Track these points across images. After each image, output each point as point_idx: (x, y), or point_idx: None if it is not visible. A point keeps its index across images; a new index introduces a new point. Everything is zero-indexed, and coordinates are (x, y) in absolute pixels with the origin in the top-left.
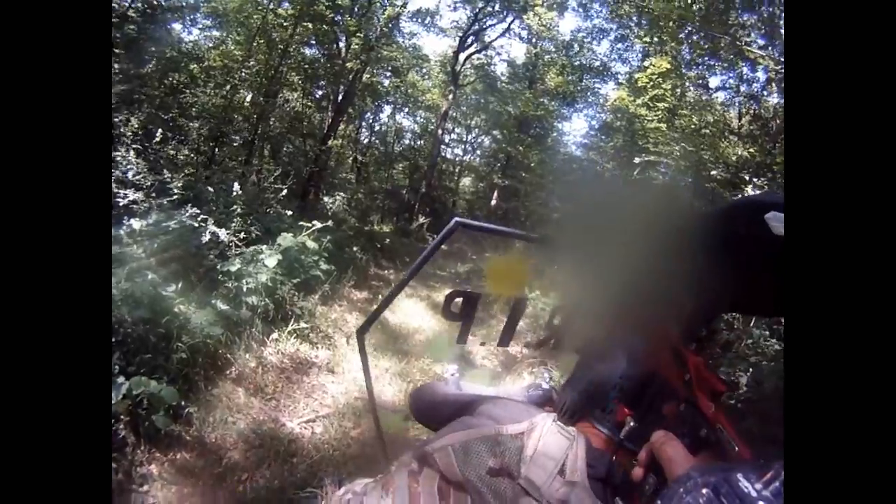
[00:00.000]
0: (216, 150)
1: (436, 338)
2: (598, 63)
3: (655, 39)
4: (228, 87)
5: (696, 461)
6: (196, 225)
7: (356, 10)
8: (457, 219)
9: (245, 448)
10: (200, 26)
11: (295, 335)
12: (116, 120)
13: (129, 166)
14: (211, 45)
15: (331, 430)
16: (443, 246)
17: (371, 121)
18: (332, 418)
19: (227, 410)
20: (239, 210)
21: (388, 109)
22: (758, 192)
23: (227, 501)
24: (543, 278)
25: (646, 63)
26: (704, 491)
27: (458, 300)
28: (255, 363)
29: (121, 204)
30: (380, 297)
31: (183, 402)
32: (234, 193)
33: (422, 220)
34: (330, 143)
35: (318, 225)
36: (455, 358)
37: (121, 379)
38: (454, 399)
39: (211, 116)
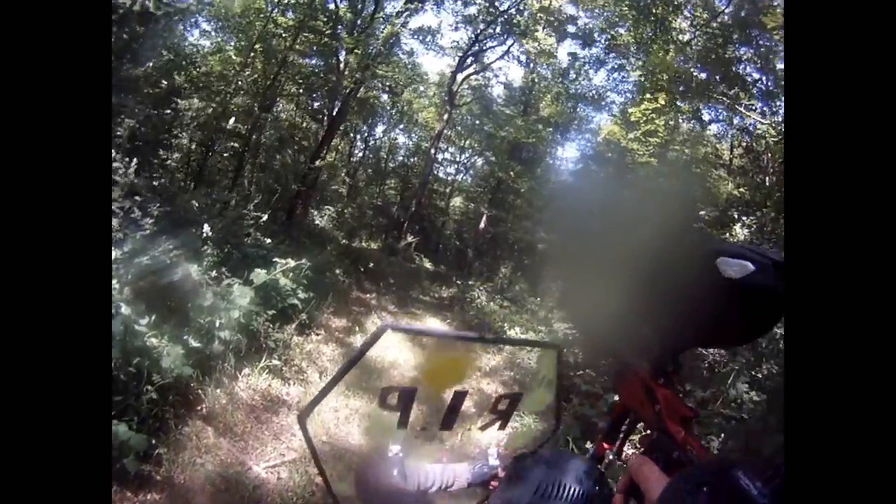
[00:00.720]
0: (207, 158)
1: (375, 421)
2: (593, 93)
3: (649, 73)
4: (224, 94)
5: (670, 480)
6: (168, 261)
7: (358, 23)
8: (385, 323)
9: (212, 491)
10: (201, 29)
11: (267, 370)
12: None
13: None
14: (209, 48)
15: (296, 475)
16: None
17: (366, 135)
18: (299, 463)
19: (195, 451)
20: (209, 251)
21: (382, 126)
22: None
23: None
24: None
25: (640, 98)
26: (704, 489)
27: (395, 394)
28: (225, 399)
29: None
30: (358, 326)
31: (153, 441)
32: (205, 235)
33: (410, 238)
34: (319, 162)
35: (292, 263)
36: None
37: None
38: (400, 493)
39: (202, 126)
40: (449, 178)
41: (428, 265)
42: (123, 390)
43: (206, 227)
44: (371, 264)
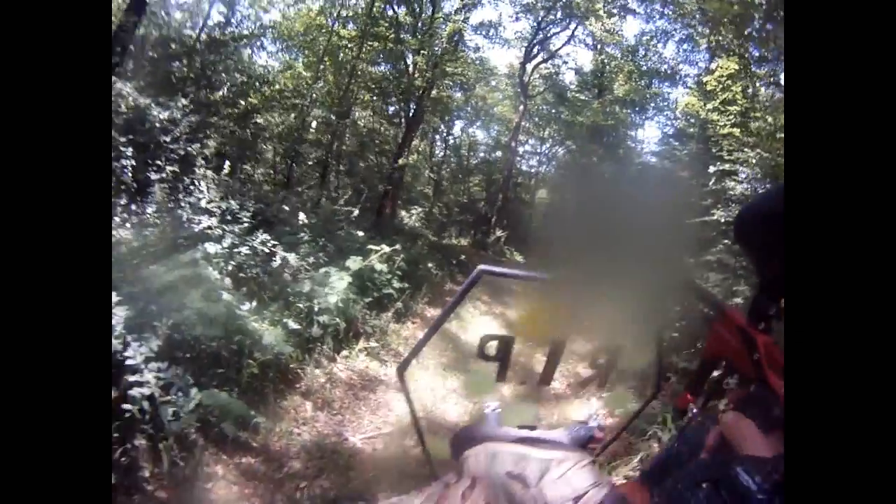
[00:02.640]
0: (293, 166)
1: (474, 375)
2: (665, 67)
3: (719, 39)
4: (300, 108)
5: (771, 440)
6: (267, 250)
7: (419, 26)
8: (481, 267)
9: (306, 458)
10: (268, 51)
11: (365, 352)
12: (190, 149)
13: (200, 197)
14: (279, 68)
15: (391, 447)
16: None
17: (445, 135)
18: (394, 436)
19: (293, 422)
20: (306, 237)
21: (460, 123)
22: None
23: None
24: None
25: (713, 65)
26: (705, 485)
27: (493, 343)
28: (324, 379)
29: (196, 230)
30: (455, 312)
31: (252, 413)
32: (301, 222)
33: (499, 233)
34: (402, 161)
35: (387, 249)
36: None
37: (194, 391)
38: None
39: (284, 138)
40: (532, 171)
41: (519, 257)
42: (225, 365)
43: (302, 216)
44: (462, 257)
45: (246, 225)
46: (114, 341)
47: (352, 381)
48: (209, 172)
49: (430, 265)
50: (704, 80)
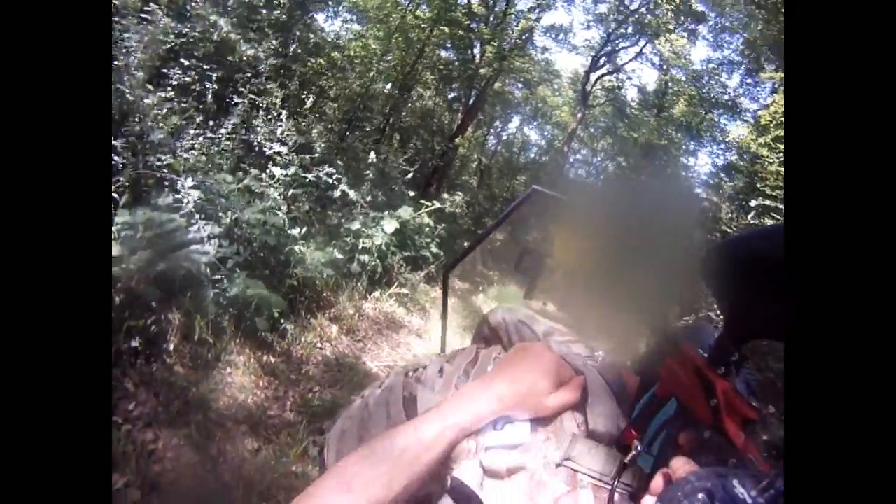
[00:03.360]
0: (348, 132)
1: (506, 290)
2: (726, 97)
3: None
4: (368, 76)
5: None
6: (330, 182)
7: (492, 18)
8: (534, 187)
9: (324, 368)
10: (343, 19)
11: (395, 298)
12: (268, 87)
13: (277, 124)
14: (351, 37)
15: None
16: None
17: (499, 129)
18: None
19: (318, 338)
20: (371, 175)
21: (516, 120)
22: None
23: (295, 402)
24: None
25: (769, 101)
26: (700, 496)
27: (532, 255)
28: (353, 311)
29: (266, 153)
30: (481, 289)
31: (282, 319)
32: (371, 160)
33: (535, 233)
34: (457, 142)
35: (437, 205)
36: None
37: (239, 279)
38: None
39: (348, 100)
40: (579, 180)
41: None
42: (271, 271)
43: (373, 154)
44: (497, 243)
45: (316, 156)
46: (181, 218)
47: (378, 319)
48: (283, 111)
49: (465, 244)
50: (759, 114)
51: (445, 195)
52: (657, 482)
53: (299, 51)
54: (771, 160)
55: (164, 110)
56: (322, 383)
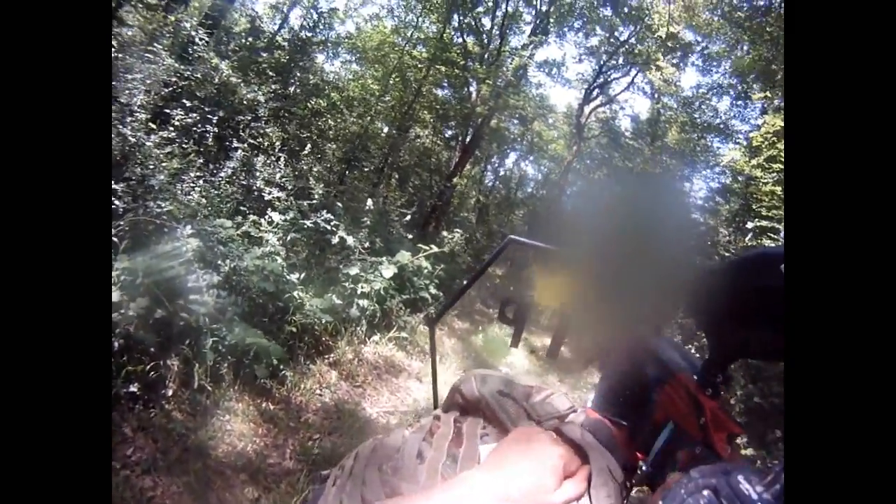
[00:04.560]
0: (347, 172)
1: (492, 340)
2: (718, 121)
3: (768, 95)
4: (367, 117)
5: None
6: (328, 228)
7: (486, 56)
8: (510, 237)
9: (324, 416)
10: (342, 59)
11: (394, 342)
12: (267, 131)
13: (276, 169)
14: (350, 77)
15: (404, 423)
16: None
17: (496, 165)
18: (410, 415)
19: (317, 384)
20: (368, 222)
21: (513, 156)
22: None
23: (294, 450)
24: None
25: (760, 121)
26: (705, 492)
27: (513, 307)
28: (352, 355)
29: (264, 198)
30: (480, 329)
31: (282, 365)
32: (367, 207)
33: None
34: (455, 180)
35: (436, 249)
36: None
37: (238, 328)
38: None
39: (347, 141)
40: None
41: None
42: (269, 318)
43: (370, 202)
44: (497, 282)
45: (314, 202)
46: (180, 266)
47: (377, 363)
48: (282, 155)
49: (464, 282)
50: (751, 135)
51: (445, 233)
52: (656, 497)
53: (298, 92)
54: (765, 181)
55: (166, 151)
56: (322, 431)
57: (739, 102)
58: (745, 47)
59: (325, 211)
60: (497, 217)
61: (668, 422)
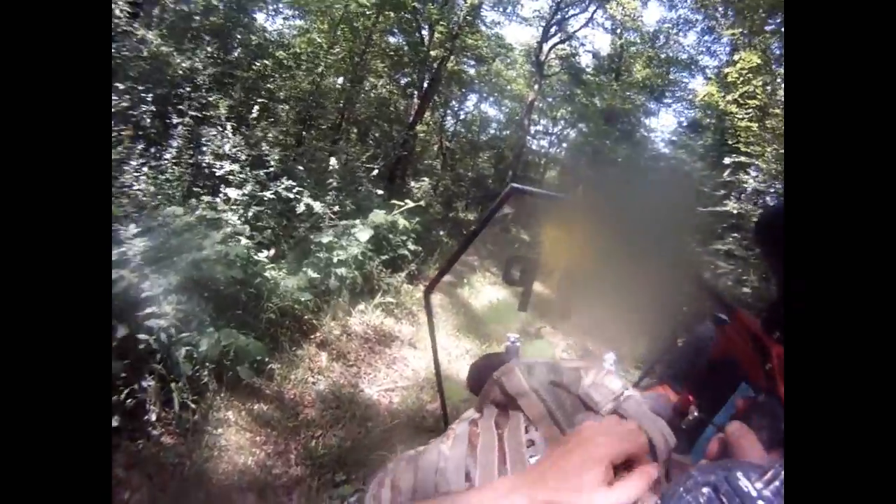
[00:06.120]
0: (304, 132)
1: (500, 304)
2: (685, 56)
3: (743, 32)
4: (317, 70)
5: (773, 457)
6: (291, 196)
7: None
8: (512, 185)
9: (322, 407)
10: (283, 16)
11: (381, 308)
12: (210, 100)
13: (224, 140)
14: (295, 33)
15: (408, 400)
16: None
17: (457, 109)
18: (411, 390)
19: (308, 371)
20: (334, 183)
21: (473, 98)
22: None
23: (299, 454)
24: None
25: (735, 57)
26: (705, 490)
27: (519, 265)
28: (339, 331)
29: (217, 174)
30: (465, 280)
31: (267, 359)
32: (330, 167)
33: (506, 210)
34: (417, 128)
35: (410, 204)
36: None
37: (211, 329)
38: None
39: (300, 100)
40: (543, 151)
41: (525, 236)
42: (243, 308)
43: (333, 160)
44: (472, 227)
45: (271, 170)
46: (130, 274)
47: (367, 335)
48: (229, 123)
49: (441, 232)
50: (725, 71)
51: (412, 183)
52: (713, 447)
53: (241, 55)
54: (740, 116)
55: None
56: (323, 425)
57: (707, 38)
58: None
59: (285, 178)
60: (462, 161)
61: (724, 363)
